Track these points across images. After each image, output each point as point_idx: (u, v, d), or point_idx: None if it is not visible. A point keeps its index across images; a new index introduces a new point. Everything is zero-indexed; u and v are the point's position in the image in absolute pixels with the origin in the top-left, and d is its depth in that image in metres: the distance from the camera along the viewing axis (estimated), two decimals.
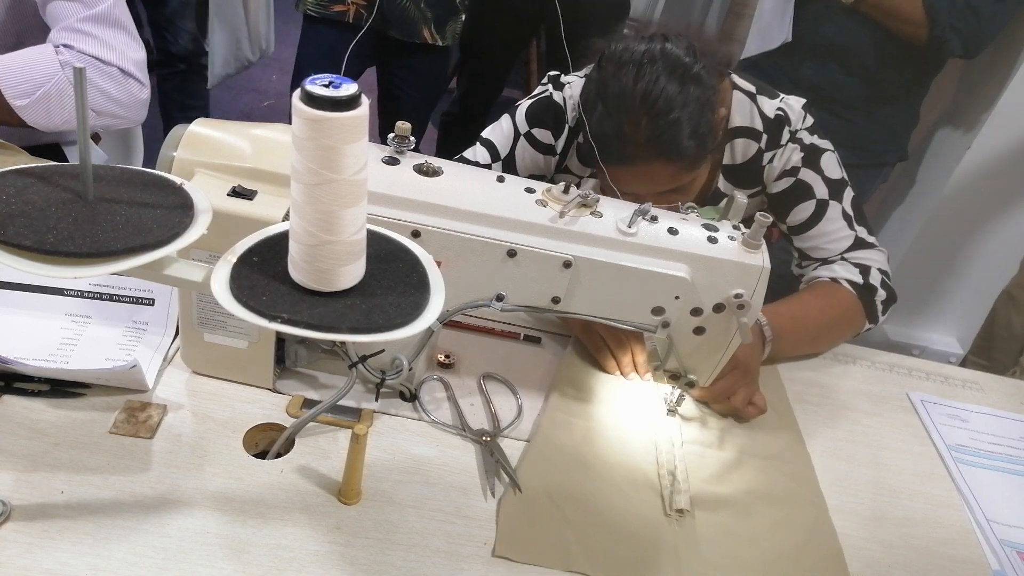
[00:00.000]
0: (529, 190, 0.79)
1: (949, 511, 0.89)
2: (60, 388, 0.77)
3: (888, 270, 1.09)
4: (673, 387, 0.91)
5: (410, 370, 0.80)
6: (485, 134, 1.13)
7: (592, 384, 0.95)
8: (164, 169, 0.73)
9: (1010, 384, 1.16)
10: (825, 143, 1.06)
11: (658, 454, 0.86)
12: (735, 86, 1.06)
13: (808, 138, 1.05)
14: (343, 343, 0.76)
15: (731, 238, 0.79)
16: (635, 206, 0.78)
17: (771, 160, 1.06)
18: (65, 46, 1.08)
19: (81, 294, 0.86)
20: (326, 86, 0.46)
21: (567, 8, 1.61)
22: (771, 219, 0.79)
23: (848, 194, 1.07)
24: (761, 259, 0.78)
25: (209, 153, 0.74)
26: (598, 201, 0.78)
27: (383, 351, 0.79)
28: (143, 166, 0.76)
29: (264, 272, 0.53)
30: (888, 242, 1.24)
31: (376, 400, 0.84)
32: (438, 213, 0.75)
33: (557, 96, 1.09)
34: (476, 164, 1.11)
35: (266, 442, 0.79)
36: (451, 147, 2.08)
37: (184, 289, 0.74)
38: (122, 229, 0.51)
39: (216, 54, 2.16)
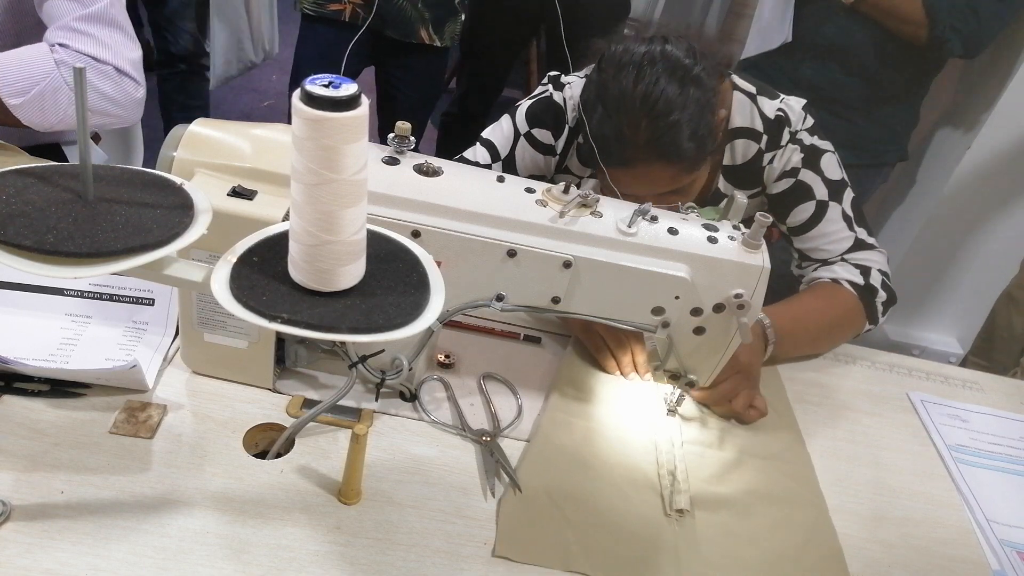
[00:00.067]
0: (529, 190, 0.79)
1: (949, 511, 0.89)
2: (60, 388, 0.77)
3: (888, 271, 1.09)
4: (673, 387, 0.91)
5: (410, 370, 0.80)
6: (485, 134, 1.13)
7: (592, 384, 0.95)
8: (164, 169, 0.73)
9: (1010, 384, 1.16)
10: (825, 144, 1.06)
11: (658, 454, 0.86)
12: (735, 87, 1.06)
13: (808, 139, 1.05)
14: (343, 343, 0.76)
15: (731, 238, 0.79)
16: (635, 206, 0.78)
17: (771, 161, 1.06)
18: (60, 45, 1.07)
19: (81, 294, 0.86)
20: (326, 86, 0.46)
21: (567, 8, 1.61)
22: (771, 219, 0.79)
23: (848, 195, 1.07)
24: (761, 259, 0.78)
25: (209, 153, 0.74)
26: (598, 201, 0.78)
27: (383, 351, 0.79)
28: (143, 166, 0.76)
29: (264, 272, 0.53)
30: (888, 242, 1.24)
31: (376, 400, 0.84)
32: (438, 213, 0.75)
33: (557, 96, 1.09)
34: (476, 164, 1.11)
35: (266, 442, 0.79)
36: (451, 147, 2.08)
37: (184, 289, 0.74)
38: (122, 229, 0.51)
39: (218, 55, 2.16)
